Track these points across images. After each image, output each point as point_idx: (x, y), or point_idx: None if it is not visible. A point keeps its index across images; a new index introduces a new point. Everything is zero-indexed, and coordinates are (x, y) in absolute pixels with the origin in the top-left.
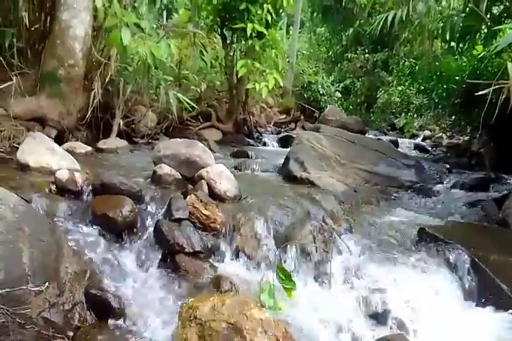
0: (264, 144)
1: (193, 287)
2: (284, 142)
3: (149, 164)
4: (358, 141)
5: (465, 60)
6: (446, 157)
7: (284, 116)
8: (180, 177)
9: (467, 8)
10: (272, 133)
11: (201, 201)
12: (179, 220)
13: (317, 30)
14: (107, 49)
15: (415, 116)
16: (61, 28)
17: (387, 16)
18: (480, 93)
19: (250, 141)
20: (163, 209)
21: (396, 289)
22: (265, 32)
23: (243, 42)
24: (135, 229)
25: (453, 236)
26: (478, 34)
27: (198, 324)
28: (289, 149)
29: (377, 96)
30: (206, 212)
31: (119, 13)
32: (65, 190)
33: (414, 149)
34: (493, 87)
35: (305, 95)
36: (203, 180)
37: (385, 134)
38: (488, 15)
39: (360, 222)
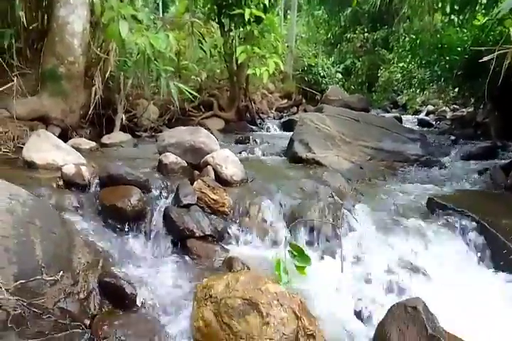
0: (267, 130)
1: (206, 270)
2: (287, 126)
3: (155, 155)
4: (361, 119)
5: (466, 31)
6: (451, 129)
7: (286, 100)
8: (186, 164)
9: None
10: (275, 119)
11: (209, 186)
12: (188, 206)
13: (315, 12)
14: (106, 44)
15: (418, 91)
16: (59, 25)
17: None
18: (484, 59)
19: (253, 127)
20: (172, 197)
21: (409, 258)
22: (263, 16)
23: (241, 28)
24: (145, 218)
25: (461, 204)
26: (479, 4)
27: (213, 302)
28: (292, 133)
29: (379, 74)
30: (214, 197)
31: (116, 6)
32: (72, 184)
33: (418, 124)
34: (496, 53)
35: (306, 78)
36: (209, 166)
37: (388, 112)
38: None
39: (368, 197)
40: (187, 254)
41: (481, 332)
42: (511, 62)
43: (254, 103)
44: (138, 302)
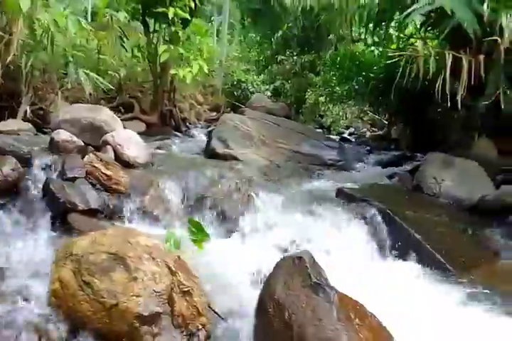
0: (193, 136)
1: None
2: None
3: None
4: (282, 124)
5: (381, 49)
6: (368, 141)
7: (215, 113)
8: (82, 144)
9: None
10: (202, 128)
11: (101, 160)
12: (73, 179)
13: (248, 33)
14: (10, 24)
15: (340, 113)
16: None
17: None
18: (392, 61)
19: (178, 133)
20: (57, 171)
21: (312, 241)
22: (188, 18)
23: (166, 29)
24: (21, 191)
25: (369, 195)
26: (393, 21)
27: (73, 260)
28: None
29: (306, 97)
30: (108, 172)
31: None
32: None
33: (340, 140)
34: (404, 52)
35: (235, 93)
36: (108, 145)
37: None
38: None
39: (280, 186)
40: (67, 230)
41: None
42: (417, 75)
43: (181, 111)
44: None
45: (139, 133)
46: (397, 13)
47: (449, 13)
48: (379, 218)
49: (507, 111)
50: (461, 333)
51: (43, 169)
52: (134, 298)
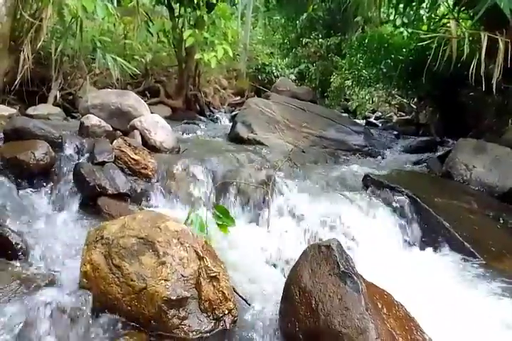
0: (217, 121)
1: None
2: None
3: None
4: (307, 108)
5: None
6: (395, 126)
7: (239, 97)
8: (111, 129)
9: None
10: (226, 113)
11: (130, 145)
12: (103, 163)
13: (272, 16)
14: (40, 10)
15: (366, 97)
16: None
17: None
18: (424, 43)
19: (202, 117)
20: (87, 155)
21: (338, 228)
22: (214, 1)
23: (191, 13)
24: (53, 174)
25: (397, 181)
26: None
27: (104, 244)
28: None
29: (331, 80)
30: (136, 157)
31: None
32: None
33: (366, 124)
34: (437, 34)
35: (259, 77)
36: (135, 130)
37: None
38: None
39: (306, 172)
40: (97, 213)
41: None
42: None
43: (206, 96)
44: (27, 255)
45: (165, 118)
46: None
47: None
48: (407, 205)
49: None
50: (486, 324)
51: (74, 153)
52: (163, 282)
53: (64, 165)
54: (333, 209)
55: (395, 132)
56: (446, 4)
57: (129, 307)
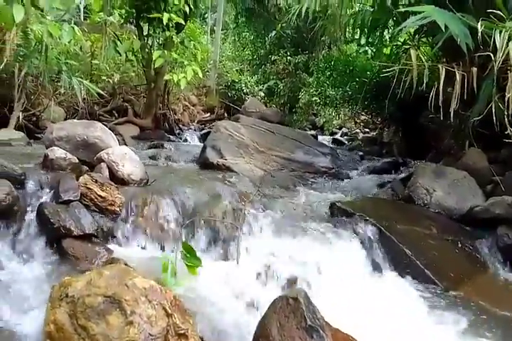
0: (186, 140)
1: (83, 273)
2: (206, 138)
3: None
4: (276, 131)
5: (376, 58)
6: (360, 146)
7: (208, 114)
8: (77, 161)
9: (376, 2)
10: (195, 131)
11: (96, 181)
12: (68, 202)
13: (241, 33)
14: (3, 32)
15: (332, 113)
16: None
17: (301, 7)
18: (386, 74)
19: (171, 136)
20: (52, 192)
21: (305, 260)
22: (183, 23)
23: (160, 33)
24: (14, 215)
25: (362, 209)
26: (387, 29)
27: (69, 302)
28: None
29: (299, 96)
30: (102, 194)
31: None
32: None
33: (332, 143)
34: (398, 67)
35: (229, 94)
36: (102, 163)
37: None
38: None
39: (274, 200)
40: (62, 256)
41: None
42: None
43: (175, 113)
44: None
45: (133, 137)
46: (391, 21)
47: (443, 28)
48: (372, 234)
49: (498, 122)
50: None
51: (38, 190)
52: None
53: (27, 205)
54: (300, 243)
55: (360, 153)
56: (407, 32)
57: None
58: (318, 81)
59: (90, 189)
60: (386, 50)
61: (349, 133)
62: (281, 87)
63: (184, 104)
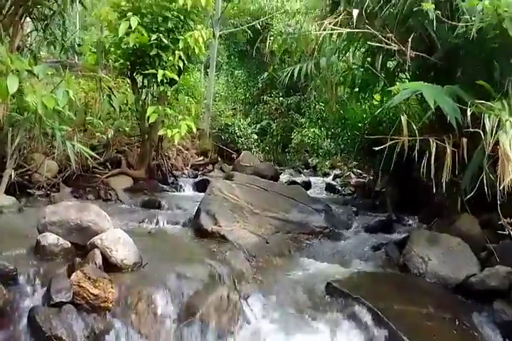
0: (180, 190)
1: None
2: (200, 186)
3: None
4: (270, 188)
5: (366, 108)
6: (353, 198)
7: (202, 158)
8: (69, 246)
9: (365, 63)
10: (189, 177)
11: (89, 278)
12: (60, 305)
13: (234, 72)
14: None
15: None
16: None
17: (294, 69)
18: (377, 148)
19: (165, 186)
20: (44, 290)
21: None
22: (177, 78)
23: (154, 87)
24: (6, 321)
25: (358, 288)
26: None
27: None
28: (200, 200)
29: (292, 137)
30: (95, 291)
31: (6, 59)
32: None
33: (326, 189)
34: (388, 143)
35: (222, 137)
36: (96, 249)
37: (300, 172)
38: (384, 70)
39: (269, 281)
40: None
41: None
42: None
43: (169, 159)
44: None
45: (126, 190)
46: (381, 84)
47: (432, 106)
48: (369, 318)
49: (488, 188)
50: None
51: (29, 287)
52: None
53: (18, 307)
54: (298, 334)
55: (354, 208)
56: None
57: None
58: (310, 122)
59: (83, 287)
60: (376, 100)
61: (342, 177)
62: (274, 127)
63: (178, 149)
